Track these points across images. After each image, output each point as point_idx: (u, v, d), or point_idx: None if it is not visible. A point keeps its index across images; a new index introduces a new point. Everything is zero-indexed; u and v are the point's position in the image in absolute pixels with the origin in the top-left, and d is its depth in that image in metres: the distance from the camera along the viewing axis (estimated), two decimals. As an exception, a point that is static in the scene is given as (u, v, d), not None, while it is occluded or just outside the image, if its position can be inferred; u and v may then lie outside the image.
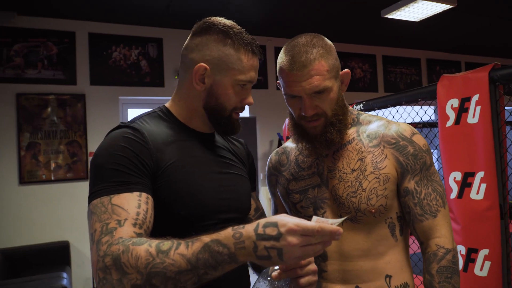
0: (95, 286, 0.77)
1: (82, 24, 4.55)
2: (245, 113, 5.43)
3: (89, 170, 0.92)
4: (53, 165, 4.33)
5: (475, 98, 2.08)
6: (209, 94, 0.99)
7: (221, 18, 1.02)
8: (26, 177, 4.22)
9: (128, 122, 0.98)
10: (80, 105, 4.48)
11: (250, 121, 5.36)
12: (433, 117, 6.74)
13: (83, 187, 4.46)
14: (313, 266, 0.89)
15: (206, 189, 0.96)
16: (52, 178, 4.33)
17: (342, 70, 1.16)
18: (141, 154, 0.88)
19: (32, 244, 4.07)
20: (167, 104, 1.07)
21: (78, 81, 4.50)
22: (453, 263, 1.06)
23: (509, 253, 1.92)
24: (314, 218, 0.76)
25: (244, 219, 1.08)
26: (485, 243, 1.91)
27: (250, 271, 1.13)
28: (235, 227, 0.74)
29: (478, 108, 2.06)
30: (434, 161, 1.18)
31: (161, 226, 0.87)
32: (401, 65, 6.68)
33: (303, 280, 0.88)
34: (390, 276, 1.11)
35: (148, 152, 0.90)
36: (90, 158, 4.40)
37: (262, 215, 1.22)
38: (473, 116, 2.09)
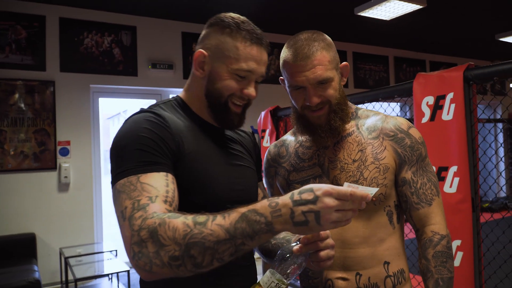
0: (132, 259, 0.78)
1: (53, 8, 4.38)
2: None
3: (110, 153, 0.91)
4: (19, 154, 4.18)
5: (450, 96, 2.18)
6: (209, 81, 1.01)
7: (231, 13, 1.05)
8: (-9, 166, 4.05)
9: (147, 108, 0.99)
10: (49, 92, 4.33)
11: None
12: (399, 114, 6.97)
13: (50, 177, 4.33)
14: (331, 240, 0.93)
15: (220, 180, 0.99)
16: (18, 167, 4.17)
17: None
18: (165, 137, 0.89)
19: (-4, 236, 3.93)
20: (180, 95, 1.09)
21: (47, 67, 4.34)
22: (448, 248, 1.12)
23: (480, 244, 2.04)
24: (346, 184, 0.78)
25: None
26: (458, 234, 2.01)
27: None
28: (270, 198, 0.76)
29: (453, 105, 2.16)
30: None
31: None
32: (370, 62, 6.86)
33: (323, 253, 0.91)
34: (388, 263, 1.16)
35: (171, 136, 0.91)
36: (59, 148, 4.28)
37: None
38: (448, 113, 2.20)
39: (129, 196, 0.80)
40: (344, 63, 1.21)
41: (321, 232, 0.90)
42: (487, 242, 2.25)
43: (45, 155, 4.29)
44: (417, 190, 1.16)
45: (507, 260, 2.07)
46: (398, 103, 6.97)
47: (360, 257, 1.15)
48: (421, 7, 4.46)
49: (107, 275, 3.75)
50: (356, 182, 1.15)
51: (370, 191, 0.78)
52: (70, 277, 3.25)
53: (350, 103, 1.26)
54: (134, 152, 0.85)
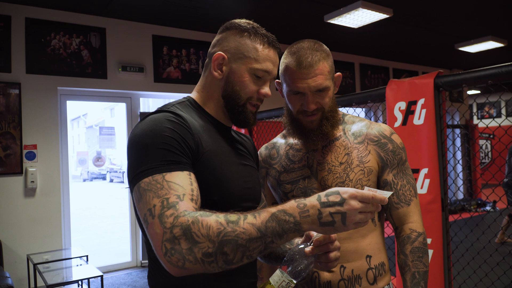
0: (155, 256, 0.79)
1: (18, 8, 4.24)
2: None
3: (129, 151, 0.92)
4: (-18, 158, 4.01)
5: (421, 101, 2.30)
6: (227, 82, 1.05)
7: (240, 19, 1.11)
8: (-49, 171, 3.86)
9: (164, 107, 1.01)
10: (15, 94, 4.18)
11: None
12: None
13: (16, 182, 4.17)
14: (338, 243, 0.98)
15: (235, 179, 1.02)
16: (-19, 172, 4.00)
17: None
18: (186, 137, 0.92)
19: (-43, 243, 3.74)
20: (192, 95, 1.12)
21: (13, 69, 4.19)
22: (424, 245, 1.21)
23: (449, 242, 2.16)
24: (366, 188, 0.85)
25: (257, 208, 1.15)
26: (428, 233, 2.12)
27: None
28: (297, 199, 0.81)
29: (424, 111, 2.28)
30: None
31: None
32: (338, 69, 7.03)
33: (332, 255, 0.97)
34: (370, 256, 1.26)
35: (191, 136, 0.93)
36: (25, 152, 4.14)
37: (266, 206, 1.28)
38: (419, 118, 2.31)
39: (156, 194, 0.81)
40: (337, 73, 1.29)
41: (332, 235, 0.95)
42: (456, 240, 2.37)
43: (10, 159, 4.14)
44: (397, 191, 1.25)
45: (475, 257, 2.19)
46: (363, 109, 7.18)
47: (344, 251, 1.22)
48: (387, 16, 4.64)
49: (76, 281, 3.66)
50: (342, 183, 1.24)
51: (386, 194, 0.84)
52: (39, 283, 3.14)
53: (339, 110, 1.34)
54: (158, 151, 0.86)
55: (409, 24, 5.54)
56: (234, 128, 1.19)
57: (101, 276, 3.20)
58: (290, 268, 0.91)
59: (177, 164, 0.87)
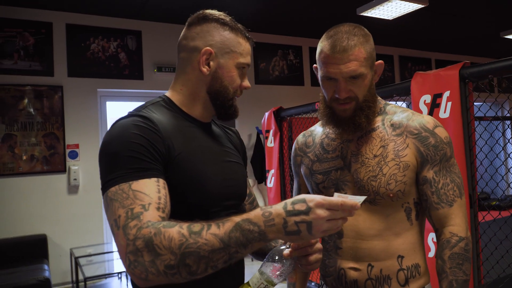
0: (127, 268, 0.80)
1: (59, 15, 4.48)
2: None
3: (99, 159, 0.91)
4: (29, 157, 4.28)
5: (446, 94, 2.21)
6: (214, 78, 1.03)
7: (213, 10, 1.08)
8: (2, 170, 4.15)
9: (135, 111, 0.99)
10: (58, 96, 4.43)
11: (229, 114, 5.40)
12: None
13: (60, 180, 4.43)
14: (319, 245, 0.97)
15: (213, 178, 1.00)
16: (29, 170, 4.27)
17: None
18: (154, 141, 0.89)
19: (9, 238, 4.03)
20: (167, 94, 1.09)
21: (55, 73, 4.44)
22: (466, 251, 1.11)
23: (478, 239, 2.07)
24: (336, 194, 0.82)
25: (241, 205, 1.15)
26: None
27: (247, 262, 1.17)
28: (263, 207, 0.79)
29: (449, 104, 2.20)
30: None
31: (170, 212, 0.88)
32: (375, 62, 6.86)
33: (312, 258, 0.95)
34: (402, 257, 1.18)
35: (160, 139, 0.91)
36: (68, 151, 4.38)
37: (254, 200, 1.28)
38: (445, 111, 2.23)
39: (122, 204, 0.81)
40: (379, 61, 1.22)
41: None
42: (485, 238, 2.27)
43: (54, 158, 4.39)
44: (438, 190, 1.15)
45: (504, 255, 2.09)
46: (396, 102, 6.96)
47: (373, 249, 1.17)
48: (423, 6, 4.48)
49: (117, 273, 3.82)
50: (375, 177, 1.16)
51: (359, 199, 0.81)
52: (81, 276, 3.33)
53: (379, 99, 1.26)
54: (125, 158, 0.85)
55: (448, 13, 5.32)
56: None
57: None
58: (269, 270, 0.89)
59: (145, 172, 0.85)
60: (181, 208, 0.92)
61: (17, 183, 4.23)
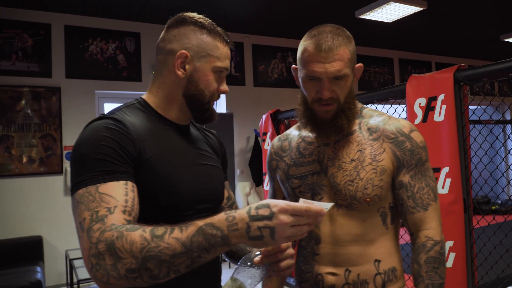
0: (88, 271, 0.80)
1: (58, 16, 4.49)
2: (222, 109, 5.47)
3: (70, 161, 0.90)
4: (26, 158, 4.28)
5: (441, 97, 2.19)
6: (190, 81, 1.02)
7: (192, 13, 1.08)
8: (-1, 171, 4.15)
9: (108, 113, 0.98)
10: (55, 98, 4.43)
11: (227, 117, 5.41)
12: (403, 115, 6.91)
13: (57, 181, 4.42)
14: (291, 250, 0.95)
15: (186, 181, 0.99)
16: (25, 171, 4.27)
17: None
18: (125, 144, 0.89)
19: (4, 239, 4.02)
20: (144, 96, 1.08)
21: (53, 74, 4.44)
22: (440, 254, 1.12)
23: (472, 245, 2.04)
24: (301, 200, 0.80)
25: (218, 208, 1.13)
26: (450, 235, 2.01)
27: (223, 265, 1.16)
28: (227, 211, 0.78)
29: (444, 107, 2.18)
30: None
31: (141, 215, 0.88)
32: (375, 65, 6.86)
33: (283, 264, 0.93)
34: (379, 261, 1.18)
35: (131, 142, 0.91)
36: (65, 152, 4.38)
37: (234, 203, 1.27)
38: (439, 114, 2.21)
39: (87, 207, 0.80)
40: (359, 64, 1.20)
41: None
42: (479, 243, 2.24)
43: (51, 160, 4.38)
44: (414, 194, 1.15)
45: (498, 261, 2.07)
46: (392, 105, 6.94)
47: (350, 254, 1.17)
48: (421, 9, 4.47)
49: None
50: (352, 181, 1.15)
51: (325, 206, 0.80)
52: (75, 279, 3.32)
53: (357, 102, 1.25)
54: (94, 161, 0.85)
55: (448, 15, 5.30)
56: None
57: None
58: (241, 276, 0.89)
59: (113, 174, 0.85)
60: (153, 211, 0.91)
61: (13, 184, 4.22)
